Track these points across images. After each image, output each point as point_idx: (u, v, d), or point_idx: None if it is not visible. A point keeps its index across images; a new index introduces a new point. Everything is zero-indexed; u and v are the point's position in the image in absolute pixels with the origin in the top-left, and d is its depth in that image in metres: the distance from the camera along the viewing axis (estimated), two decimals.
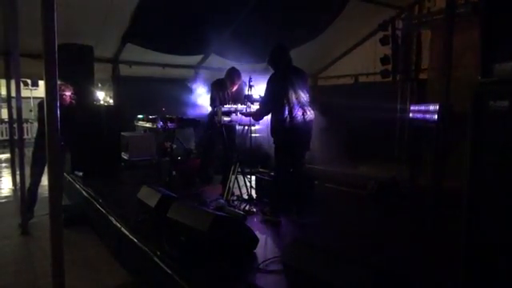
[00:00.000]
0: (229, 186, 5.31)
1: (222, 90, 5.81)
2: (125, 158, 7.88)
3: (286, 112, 4.52)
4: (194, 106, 9.65)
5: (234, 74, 5.83)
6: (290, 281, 2.83)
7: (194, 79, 10.23)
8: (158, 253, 3.57)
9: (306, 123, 4.62)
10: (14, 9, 5.27)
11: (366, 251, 3.72)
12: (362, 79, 10.22)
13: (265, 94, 4.68)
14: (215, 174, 6.37)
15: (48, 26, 2.78)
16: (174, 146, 6.54)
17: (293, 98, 4.54)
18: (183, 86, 10.01)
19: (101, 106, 8.35)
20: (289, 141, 4.58)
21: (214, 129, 5.83)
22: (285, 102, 4.52)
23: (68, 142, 5.28)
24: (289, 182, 4.67)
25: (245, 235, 3.65)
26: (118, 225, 4.41)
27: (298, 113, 4.55)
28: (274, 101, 4.57)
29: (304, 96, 4.63)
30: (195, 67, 10.14)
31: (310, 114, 4.67)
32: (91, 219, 5.40)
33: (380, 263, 2.68)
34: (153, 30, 7.89)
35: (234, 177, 5.31)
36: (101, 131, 7.16)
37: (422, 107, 5.69)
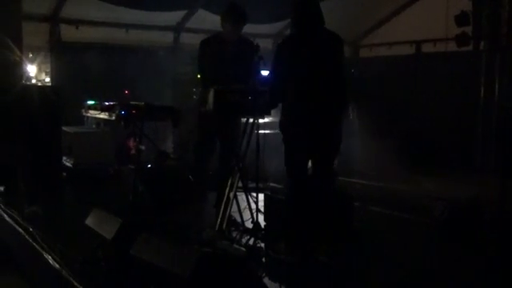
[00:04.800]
0: (224, 209, 5.30)
1: (218, 48, 5.77)
2: (67, 164, 7.90)
3: (297, 96, 4.57)
4: (175, 87, 9.71)
5: (235, 12, 5.78)
6: None
7: (173, 48, 10.29)
8: None
9: (329, 113, 4.66)
10: None
11: None
12: (426, 48, 10.19)
13: (272, 66, 4.76)
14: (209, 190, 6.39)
15: None
16: (143, 148, 6.54)
17: (309, 75, 4.58)
18: (156, 57, 10.06)
19: (32, 86, 8.37)
20: (301, 137, 4.62)
21: (204, 121, 5.83)
22: (296, 80, 4.56)
23: None
24: (304, 201, 4.69)
25: (247, 283, 3.64)
26: (58, 266, 4.41)
27: (316, 99, 4.59)
28: (282, 79, 4.62)
29: (330, 73, 4.67)
30: (175, 29, 10.16)
31: (338, 100, 4.71)
32: (16, 258, 5.41)
33: None
34: None
35: (232, 195, 5.31)
36: (31, 125, 7.19)
37: None
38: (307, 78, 4.58)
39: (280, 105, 4.96)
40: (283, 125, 4.75)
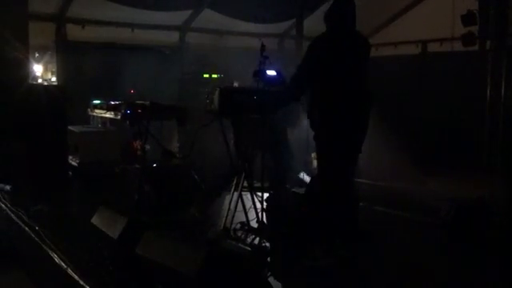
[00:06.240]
0: (229, 208, 5.31)
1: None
2: (73, 164, 7.91)
3: (335, 94, 4.57)
4: (180, 87, 9.71)
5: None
6: None
7: (178, 47, 10.30)
8: None
9: (364, 114, 4.72)
10: None
11: None
12: (432, 47, 10.16)
13: (304, 63, 4.73)
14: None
15: None
16: (148, 148, 6.55)
17: (347, 73, 4.61)
18: (162, 57, 10.07)
19: (38, 86, 8.39)
20: (348, 136, 4.64)
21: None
22: (340, 77, 4.57)
23: None
24: (337, 204, 4.66)
25: (252, 283, 3.64)
26: (64, 265, 4.42)
27: (355, 98, 4.62)
28: (316, 74, 4.62)
29: (363, 73, 4.75)
30: (180, 29, 10.17)
31: (368, 100, 4.77)
32: (22, 256, 5.42)
33: None
34: None
35: (237, 194, 5.31)
36: (38, 124, 7.20)
37: None
38: (349, 76, 4.62)
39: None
40: (324, 123, 4.69)
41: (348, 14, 4.72)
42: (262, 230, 5.27)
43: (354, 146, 4.76)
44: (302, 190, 5.64)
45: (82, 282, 4.07)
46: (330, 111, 4.64)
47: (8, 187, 6.93)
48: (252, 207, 5.50)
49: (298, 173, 7.07)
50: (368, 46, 4.88)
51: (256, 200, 5.51)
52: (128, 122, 6.49)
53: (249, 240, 5.09)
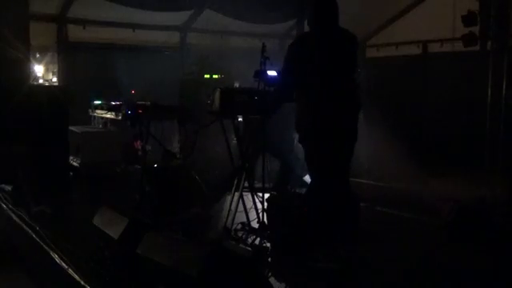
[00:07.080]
0: (230, 208, 5.32)
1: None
2: (74, 164, 7.92)
3: (323, 93, 4.53)
4: (181, 87, 9.72)
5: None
6: None
7: (179, 47, 10.31)
8: None
9: (351, 113, 4.66)
10: None
11: None
12: (433, 48, 10.14)
13: (284, 64, 4.69)
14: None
15: None
16: (149, 148, 6.56)
17: (333, 72, 4.57)
18: (163, 57, 10.09)
19: (39, 86, 8.40)
20: (328, 138, 4.58)
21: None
22: (320, 77, 4.52)
23: None
24: (337, 204, 4.62)
25: (253, 283, 3.64)
26: (64, 265, 4.43)
27: (340, 97, 4.57)
28: (300, 74, 4.59)
29: (350, 72, 4.68)
30: (181, 29, 10.18)
31: (356, 99, 4.70)
32: (24, 257, 5.43)
33: None
34: None
35: (237, 195, 5.32)
36: (39, 125, 7.21)
37: None
38: (335, 75, 4.57)
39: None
40: (310, 124, 4.63)
41: (331, 11, 4.67)
42: (262, 230, 5.28)
43: (343, 145, 4.70)
44: (302, 191, 5.64)
45: (82, 283, 4.07)
46: (313, 112, 4.59)
47: (9, 188, 6.94)
48: (253, 207, 5.51)
49: (303, 176, 7.07)
50: (355, 43, 4.80)
51: (257, 200, 5.52)
52: (129, 123, 6.50)
53: (249, 240, 5.09)
